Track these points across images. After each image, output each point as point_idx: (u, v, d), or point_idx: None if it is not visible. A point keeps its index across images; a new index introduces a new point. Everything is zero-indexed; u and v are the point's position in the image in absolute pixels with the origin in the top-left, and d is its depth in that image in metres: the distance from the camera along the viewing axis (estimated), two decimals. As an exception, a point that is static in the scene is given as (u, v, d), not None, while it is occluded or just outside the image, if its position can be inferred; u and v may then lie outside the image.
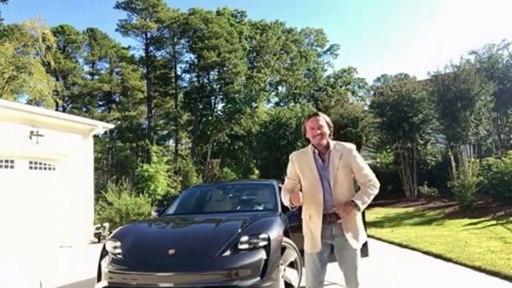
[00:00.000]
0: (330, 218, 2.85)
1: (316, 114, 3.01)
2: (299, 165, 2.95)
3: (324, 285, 4.66)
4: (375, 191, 2.93)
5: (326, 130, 2.93)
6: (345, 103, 21.05)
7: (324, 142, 2.93)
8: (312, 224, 2.88)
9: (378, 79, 52.57)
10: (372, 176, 2.94)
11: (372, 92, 33.55)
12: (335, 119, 17.35)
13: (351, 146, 2.99)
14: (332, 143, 2.96)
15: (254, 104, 36.54)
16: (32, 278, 5.84)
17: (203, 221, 4.92)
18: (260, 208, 5.22)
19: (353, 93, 42.54)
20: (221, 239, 3.94)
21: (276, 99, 42.89)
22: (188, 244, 4.06)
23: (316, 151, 2.94)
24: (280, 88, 43.09)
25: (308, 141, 3.03)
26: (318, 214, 2.85)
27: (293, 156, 3.06)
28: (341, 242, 2.88)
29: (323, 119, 2.96)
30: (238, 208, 5.53)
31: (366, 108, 20.61)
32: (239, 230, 4.05)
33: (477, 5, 64.10)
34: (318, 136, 2.91)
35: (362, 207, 2.86)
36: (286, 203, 3.02)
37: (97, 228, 11.06)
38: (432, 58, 72.68)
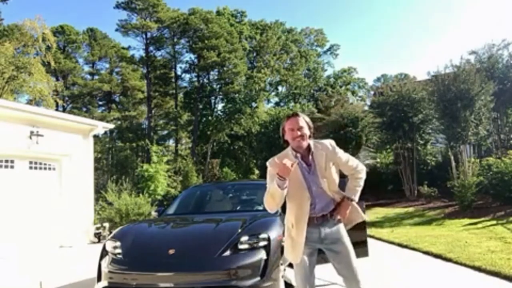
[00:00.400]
0: (317, 221, 2.75)
1: (295, 114, 2.84)
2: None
3: (324, 285, 4.70)
4: (364, 174, 2.91)
5: (307, 131, 2.78)
6: (345, 103, 21.01)
7: (305, 144, 2.78)
8: (295, 233, 2.73)
9: (378, 79, 52.60)
10: (356, 163, 2.91)
11: (372, 92, 33.54)
12: (335, 119, 17.38)
13: (331, 142, 2.88)
14: (312, 143, 2.83)
15: (254, 104, 36.53)
16: (32, 278, 5.84)
17: (203, 221, 4.92)
18: (260, 208, 5.20)
19: (353, 93, 42.54)
20: (221, 239, 3.94)
21: (276, 99, 42.91)
22: (188, 244, 4.06)
23: (299, 155, 2.78)
24: (280, 88, 43.11)
25: (286, 143, 2.86)
26: (302, 226, 2.71)
27: (271, 162, 2.79)
28: (332, 245, 2.79)
29: (303, 120, 2.80)
30: (238, 208, 5.53)
31: (366, 108, 20.61)
32: (239, 230, 4.04)
33: (477, 5, 64.14)
34: (298, 138, 2.75)
35: (357, 198, 2.86)
36: (269, 204, 2.71)
37: (97, 228, 11.06)
38: (432, 58, 72.73)
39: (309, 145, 2.82)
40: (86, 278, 5.52)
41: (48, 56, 23.06)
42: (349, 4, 63.84)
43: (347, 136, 16.43)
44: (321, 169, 2.76)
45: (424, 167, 17.04)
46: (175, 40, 35.96)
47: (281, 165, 2.52)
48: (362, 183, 2.89)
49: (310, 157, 2.80)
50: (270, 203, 2.72)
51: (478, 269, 5.24)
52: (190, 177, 20.75)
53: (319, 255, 2.88)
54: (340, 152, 2.87)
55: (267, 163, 2.83)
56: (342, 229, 2.85)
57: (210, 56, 32.59)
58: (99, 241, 10.52)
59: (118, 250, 4.05)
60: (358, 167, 2.89)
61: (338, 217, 2.80)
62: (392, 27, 70.98)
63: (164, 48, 36.58)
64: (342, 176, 2.94)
